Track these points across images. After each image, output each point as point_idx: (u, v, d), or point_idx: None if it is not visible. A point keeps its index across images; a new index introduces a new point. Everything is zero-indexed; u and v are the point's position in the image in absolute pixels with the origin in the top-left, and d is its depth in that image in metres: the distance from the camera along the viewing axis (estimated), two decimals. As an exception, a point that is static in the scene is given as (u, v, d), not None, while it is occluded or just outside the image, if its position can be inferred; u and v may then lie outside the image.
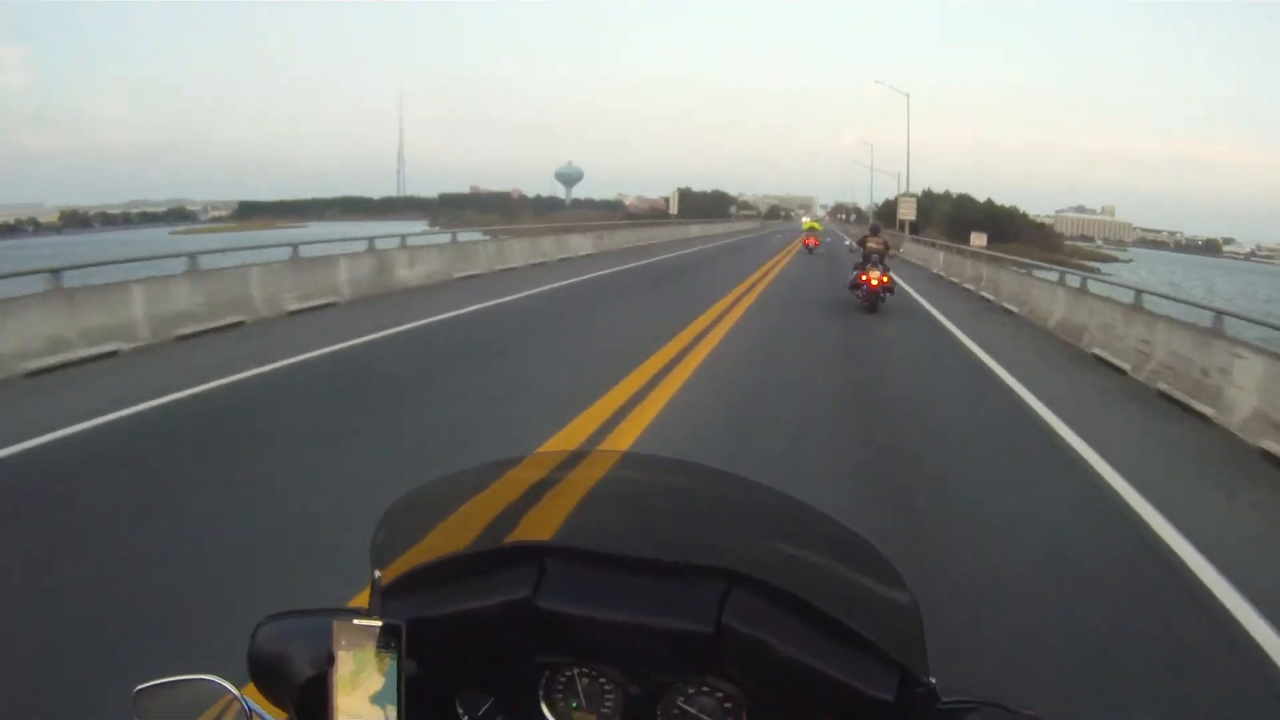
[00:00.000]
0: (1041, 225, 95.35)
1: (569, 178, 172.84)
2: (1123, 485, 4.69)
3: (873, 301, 12.93)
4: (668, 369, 7.18)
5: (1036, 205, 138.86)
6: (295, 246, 11.18)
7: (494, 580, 0.90)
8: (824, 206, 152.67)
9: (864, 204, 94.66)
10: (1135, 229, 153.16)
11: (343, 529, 3.14)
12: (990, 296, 15.98)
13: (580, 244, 23.63)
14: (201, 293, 9.10)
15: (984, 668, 2.63)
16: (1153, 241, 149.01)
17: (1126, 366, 8.60)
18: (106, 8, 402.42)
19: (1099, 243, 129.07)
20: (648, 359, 7.50)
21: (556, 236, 22.84)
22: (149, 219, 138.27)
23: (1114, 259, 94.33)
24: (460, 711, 0.91)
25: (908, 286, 16.59)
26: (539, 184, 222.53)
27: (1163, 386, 7.55)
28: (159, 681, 0.84)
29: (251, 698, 0.86)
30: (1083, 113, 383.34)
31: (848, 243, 20.98)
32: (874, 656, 0.81)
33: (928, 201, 61.94)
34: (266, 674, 0.90)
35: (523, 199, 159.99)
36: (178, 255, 9.40)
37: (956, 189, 78.44)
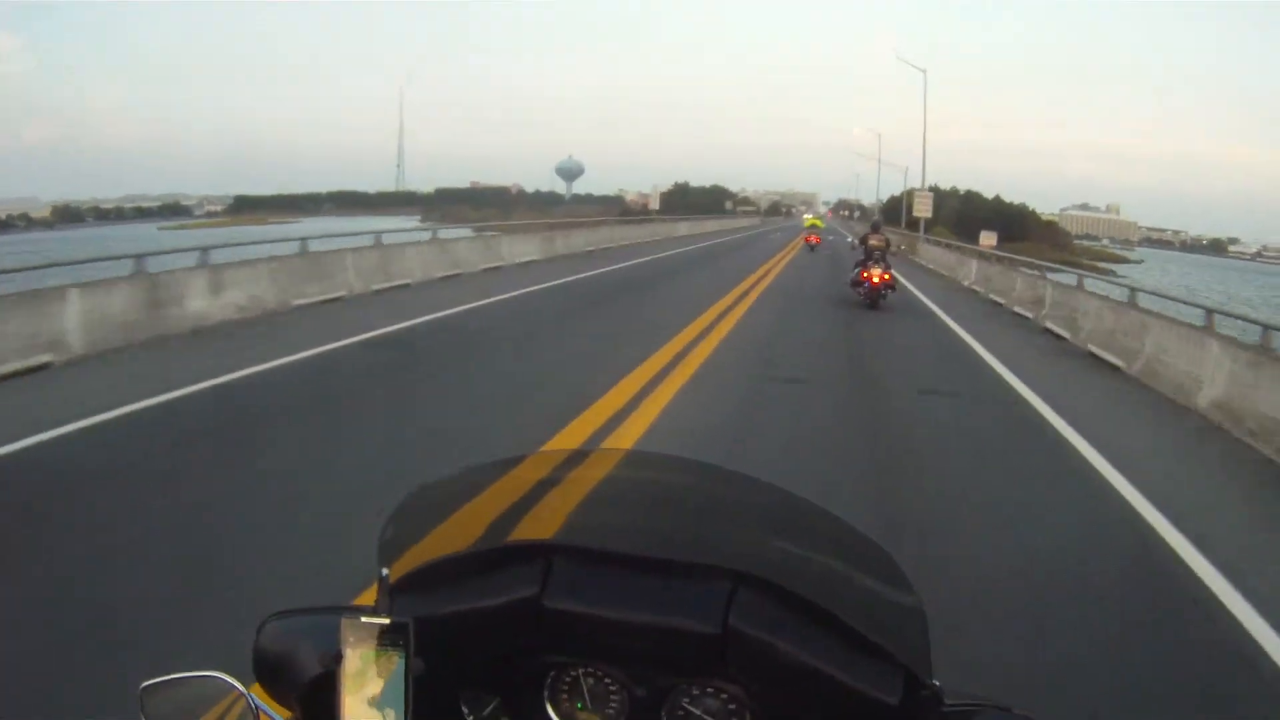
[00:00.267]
0: (1051, 223, 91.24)
1: (569, 172, 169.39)
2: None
3: (874, 298, 12.82)
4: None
5: (1039, 202, 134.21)
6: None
7: (500, 579, 0.89)
8: (826, 203, 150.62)
9: (867, 200, 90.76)
10: (1140, 228, 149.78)
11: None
12: (1063, 333, 10.98)
13: (522, 249, 18.90)
14: None
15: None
16: (1158, 241, 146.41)
17: None
18: (106, 6, 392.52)
19: (1105, 242, 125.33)
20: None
21: (486, 243, 18.70)
22: (143, 214, 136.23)
23: (1124, 259, 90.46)
24: (465, 711, 0.91)
25: (960, 329, 11.43)
26: (541, 179, 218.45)
27: None
28: (164, 678, 0.84)
29: (257, 695, 0.86)
30: (1084, 109, 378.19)
31: (849, 239, 20.03)
32: (879, 659, 0.81)
33: (936, 198, 57.62)
34: (272, 671, 0.91)
35: (521, 194, 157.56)
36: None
37: (960, 186, 74.04)
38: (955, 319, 12.36)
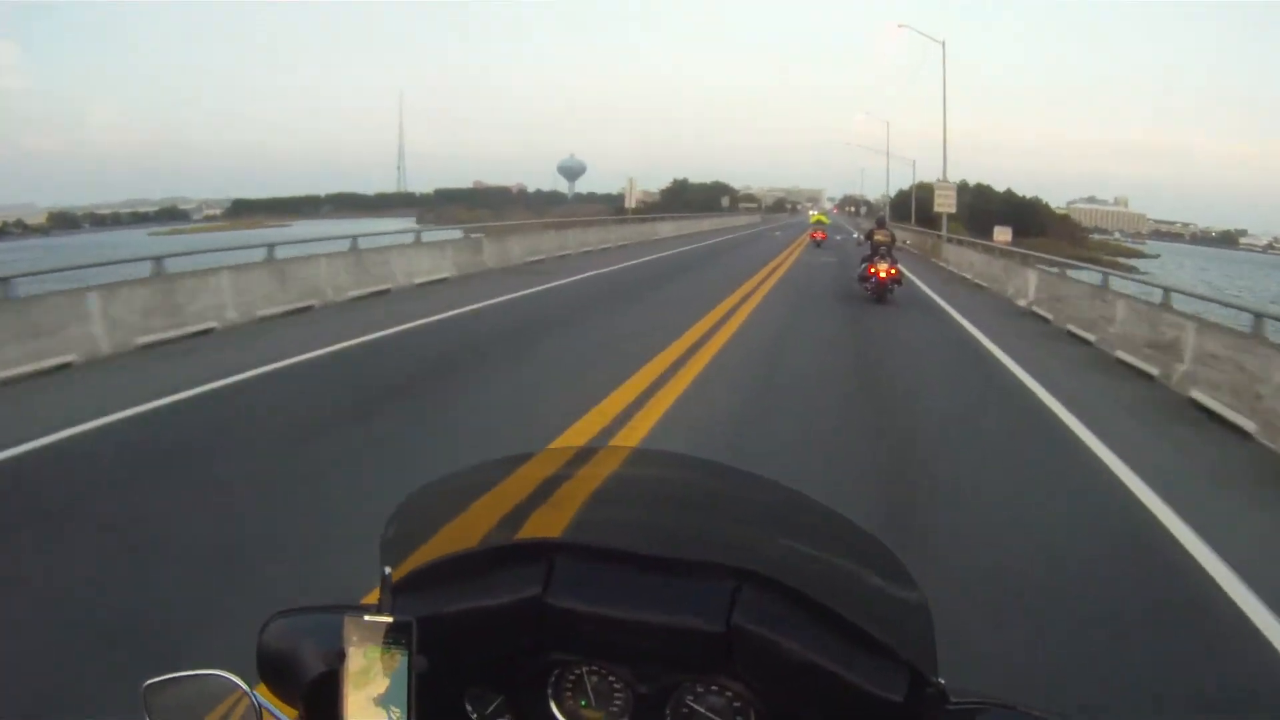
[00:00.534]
0: (1065, 217, 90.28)
1: (571, 171, 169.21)
2: None
3: (881, 293, 13.10)
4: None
5: (1048, 196, 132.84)
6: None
7: (503, 577, 0.89)
8: (832, 199, 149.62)
9: (873, 196, 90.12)
10: (1149, 220, 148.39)
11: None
12: (1215, 405, 6.66)
13: (435, 263, 14.73)
14: None
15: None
16: (1167, 234, 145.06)
17: None
18: (105, 6, 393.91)
19: (1116, 235, 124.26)
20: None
21: (381, 256, 13.55)
22: (140, 219, 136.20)
23: (1140, 254, 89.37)
24: (469, 709, 0.92)
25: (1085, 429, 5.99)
26: (544, 179, 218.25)
27: None
28: (168, 676, 0.83)
29: (261, 694, 0.86)
30: (1090, 102, 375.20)
31: (856, 235, 20.45)
32: (884, 657, 0.81)
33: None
34: (276, 670, 0.91)
35: (523, 194, 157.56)
36: None
37: (970, 179, 73.43)
38: (1071, 409, 6.51)
